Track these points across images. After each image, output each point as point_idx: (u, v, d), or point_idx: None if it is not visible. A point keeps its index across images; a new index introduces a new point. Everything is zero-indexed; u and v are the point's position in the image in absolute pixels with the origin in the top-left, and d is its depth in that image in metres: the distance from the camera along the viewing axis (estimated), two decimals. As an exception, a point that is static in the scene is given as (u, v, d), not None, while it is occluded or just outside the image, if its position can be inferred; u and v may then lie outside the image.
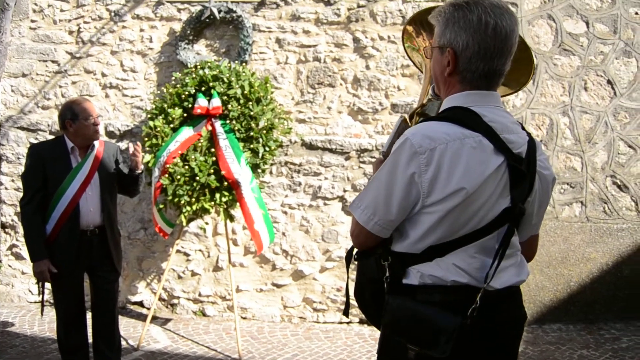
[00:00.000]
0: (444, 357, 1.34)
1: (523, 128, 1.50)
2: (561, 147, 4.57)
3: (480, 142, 1.36)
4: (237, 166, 3.87)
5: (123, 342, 3.70)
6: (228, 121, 4.00)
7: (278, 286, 4.63)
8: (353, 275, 1.61)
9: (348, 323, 4.46)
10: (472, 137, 1.36)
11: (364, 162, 4.52)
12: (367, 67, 4.53)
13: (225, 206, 3.94)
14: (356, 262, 1.57)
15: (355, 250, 1.56)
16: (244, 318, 4.60)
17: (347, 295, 1.66)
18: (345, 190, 4.53)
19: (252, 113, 3.98)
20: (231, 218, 4.06)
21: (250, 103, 4.02)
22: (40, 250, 3.01)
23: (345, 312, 1.68)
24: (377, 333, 1.54)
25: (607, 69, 4.55)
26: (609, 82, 4.56)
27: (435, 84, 1.53)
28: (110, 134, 4.72)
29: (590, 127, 4.56)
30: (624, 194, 4.56)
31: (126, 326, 4.28)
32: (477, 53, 1.39)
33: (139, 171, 3.26)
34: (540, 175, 1.47)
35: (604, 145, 4.57)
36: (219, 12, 4.52)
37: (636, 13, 4.57)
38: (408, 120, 1.73)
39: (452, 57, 1.41)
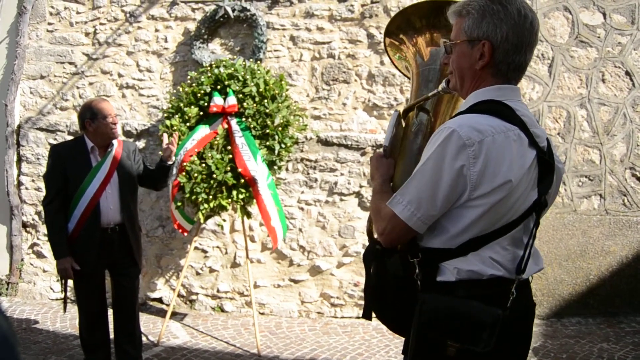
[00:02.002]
0: (486, 351, 1.33)
1: None
2: (579, 139, 4.52)
3: (519, 136, 1.38)
4: (254, 163, 3.89)
5: (143, 338, 3.76)
6: (244, 119, 4.02)
7: (295, 282, 4.66)
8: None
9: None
10: (513, 130, 1.37)
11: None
12: (382, 63, 4.53)
13: (242, 203, 3.97)
14: (375, 262, 1.52)
15: (377, 249, 1.52)
16: (262, 313, 4.63)
17: (366, 296, 1.61)
18: (361, 186, 4.54)
19: (267, 110, 4.00)
20: (248, 215, 4.09)
21: (266, 100, 4.04)
22: (63, 248, 3.06)
23: (365, 314, 1.62)
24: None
25: (625, 60, 4.49)
26: (627, 73, 4.50)
27: (458, 78, 1.50)
28: (127, 134, 4.78)
29: (609, 119, 4.51)
30: (643, 186, 4.51)
31: (146, 322, 4.34)
32: (516, 46, 1.41)
33: (171, 162, 3.32)
34: (556, 169, 1.49)
35: (623, 137, 4.51)
36: (233, 10, 4.54)
37: (654, 3, 4.50)
38: (403, 115, 1.70)
39: (489, 49, 1.41)
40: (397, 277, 1.46)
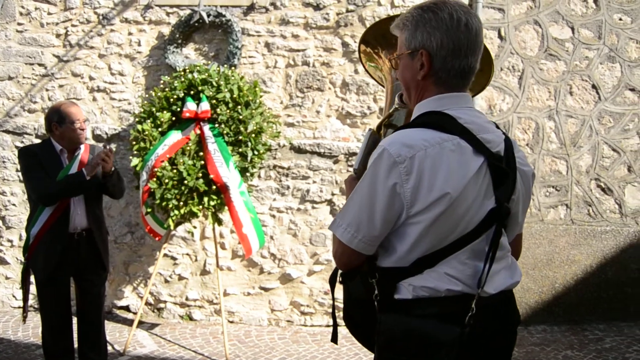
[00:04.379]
0: None
1: (497, 127, 1.47)
2: (547, 150, 4.62)
3: (458, 145, 1.33)
4: (226, 170, 3.87)
5: (109, 347, 3.68)
6: (217, 125, 4.00)
7: (266, 290, 4.62)
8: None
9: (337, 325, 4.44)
10: (450, 140, 1.32)
11: (352, 166, 4.54)
12: (356, 72, 4.56)
13: (213, 210, 3.94)
14: (341, 285, 1.51)
15: (340, 271, 1.49)
16: (232, 322, 4.58)
17: (334, 320, 1.59)
18: (333, 194, 4.55)
19: (240, 117, 3.99)
20: (219, 222, 4.06)
21: (239, 107, 4.02)
22: (77, 173, 3.01)
23: (334, 339, 1.61)
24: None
25: (592, 73, 4.62)
26: (593, 86, 4.63)
27: (405, 91, 1.49)
28: (97, 138, 4.70)
29: (576, 131, 4.62)
30: (607, 196, 4.63)
31: (112, 331, 4.25)
32: (452, 51, 1.36)
33: (107, 175, 3.13)
34: (520, 172, 1.43)
35: (589, 149, 4.63)
36: (208, 16, 4.52)
37: (620, 19, 4.65)
38: (376, 132, 1.68)
39: (427, 58, 1.38)
40: (359, 299, 1.43)
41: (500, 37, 4.60)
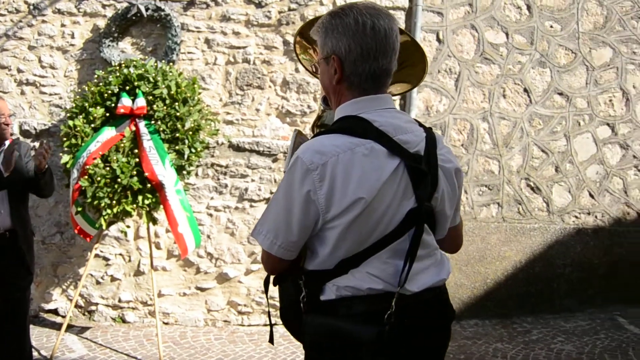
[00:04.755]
0: None
1: (421, 125, 1.48)
2: (480, 151, 4.78)
3: (372, 149, 1.34)
4: (162, 168, 3.79)
5: (35, 353, 3.53)
6: (153, 122, 3.91)
7: (202, 290, 4.56)
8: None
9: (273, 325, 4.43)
10: (363, 144, 1.34)
11: (291, 165, 4.55)
12: (297, 70, 4.56)
13: (148, 209, 3.84)
14: (275, 286, 1.54)
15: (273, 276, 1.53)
16: (166, 323, 4.49)
17: (270, 321, 1.62)
18: (272, 193, 4.53)
19: (178, 114, 3.92)
20: (154, 221, 3.97)
21: (177, 103, 3.95)
22: None
23: (271, 339, 1.64)
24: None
25: (524, 77, 4.81)
26: (525, 90, 4.83)
27: (326, 95, 1.52)
28: (25, 133, 4.49)
29: (508, 132, 4.81)
30: (536, 195, 4.84)
31: (39, 336, 4.07)
32: (361, 55, 1.38)
33: (41, 171, 3.03)
34: (443, 169, 1.44)
35: (520, 150, 4.82)
36: (147, 9, 4.41)
37: (551, 26, 4.86)
38: (302, 133, 1.71)
39: (338, 63, 1.40)
40: (291, 300, 1.46)
41: (438, 40, 4.72)
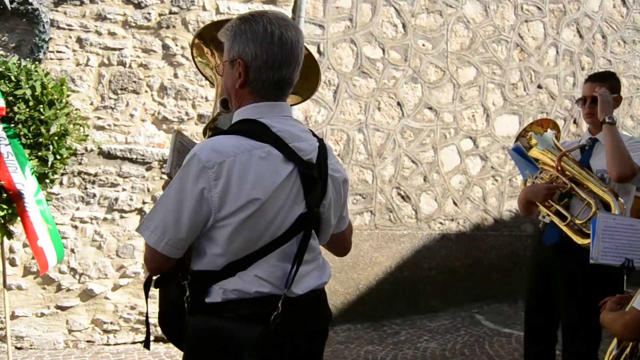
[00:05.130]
0: None
1: (314, 135, 1.55)
2: (356, 161, 5.02)
3: (269, 153, 1.39)
4: (21, 176, 3.54)
5: None
6: (13, 125, 3.65)
7: (63, 309, 4.29)
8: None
9: (141, 342, 4.33)
10: (261, 148, 1.39)
11: (166, 174, 4.46)
12: (176, 76, 4.49)
13: (2, 221, 3.58)
14: (156, 289, 1.51)
15: (155, 277, 1.51)
16: (19, 348, 4.17)
17: (147, 326, 1.59)
18: (144, 202, 4.41)
19: (42, 117, 3.69)
20: (9, 235, 3.70)
21: (42, 106, 3.71)
22: None
23: (147, 344, 1.62)
24: (174, 350, 1.53)
25: (398, 92, 5.13)
26: (398, 103, 5.14)
27: (228, 97, 1.54)
28: None
29: (381, 143, 5.09)
30: (406, 203, 5.18)
31: None
32: (266, 62, 1.42)
33: None
34: (332, 178, 1.51)
35: (392, 160, 5.13)
36: (11, 2, 4.11)
37: (423, 45, 5.22)
38: (181, 133, 1.73)
39: (243, 68, 1.43)
40: (174, 302, 1.44)
41: (319, 52, 4.87)
